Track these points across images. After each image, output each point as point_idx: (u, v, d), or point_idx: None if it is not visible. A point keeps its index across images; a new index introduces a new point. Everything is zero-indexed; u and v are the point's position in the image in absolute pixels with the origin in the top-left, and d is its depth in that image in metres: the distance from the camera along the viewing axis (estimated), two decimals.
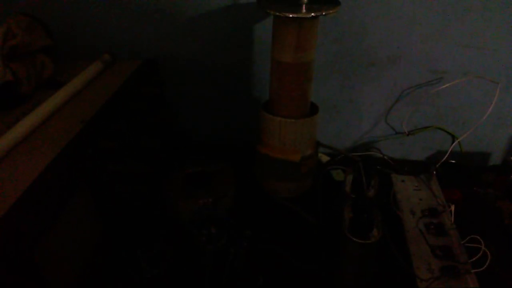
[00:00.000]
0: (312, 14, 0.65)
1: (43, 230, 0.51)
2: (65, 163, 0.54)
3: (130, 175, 0.73)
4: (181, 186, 0.80)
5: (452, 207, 0.76)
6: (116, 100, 0.70)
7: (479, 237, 0.69)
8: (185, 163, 0.85)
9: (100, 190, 0.66)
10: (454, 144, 0.93)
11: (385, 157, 0.93)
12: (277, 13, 0.66)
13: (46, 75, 0.74)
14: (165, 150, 0.92)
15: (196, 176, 0.83)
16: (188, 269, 0.67)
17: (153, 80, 0.85)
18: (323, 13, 0.66)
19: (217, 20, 0.87)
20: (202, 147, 1.02)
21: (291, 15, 0.65)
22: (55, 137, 0.58)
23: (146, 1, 0.86)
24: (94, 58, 0.79)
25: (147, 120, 0.81)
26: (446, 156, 0.90)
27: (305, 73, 0.74)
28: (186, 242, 0.70)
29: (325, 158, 0.97)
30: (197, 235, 0.66)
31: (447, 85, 0.86)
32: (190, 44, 0.90)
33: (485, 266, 0.65)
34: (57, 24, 0.81)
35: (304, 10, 0.66)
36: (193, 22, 0.88)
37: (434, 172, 0.85)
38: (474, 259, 0.66)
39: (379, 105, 0.95)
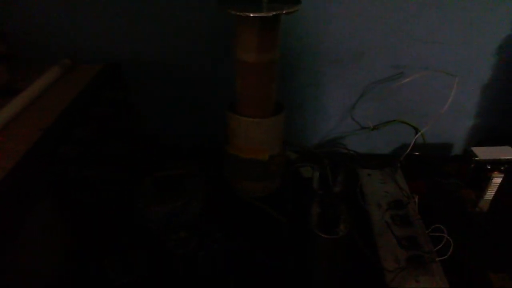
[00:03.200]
0: (273, 13, 0.65)
1: (3, 242, 0.49)
2: (24, 173, 0.53)
3: (95, 182, 0.71)
4: (149, 190, 0.78)
5: (417, 198, 0.78)
6: (77, 106, 0.68)
7: (442, 226, 0.71)
8: (153, 167, 0.84)
9: (64, 199, 0.64)
10: (416, 136, 0.95)
11: (351, 152, 0.95)
12: (238, 13, 0.65)
13: (1, 83, 0.71)
14: (132, 155, 0.90)
15: (165, 180, 0.82)
16: (159, 275, 0.66)
17: (116, 84, 0.83)
18: (284, 12, 0.66)
19: (181, 21, 0.86)
20: (171, 150, 1.01)
21: (252, 15, 0.65)
22: (12, 147, 0.56)
23: (106, 5, 0.84)
24: (54, 63, 0.77)
25: (112, 125, 0.79)
26: (409, 148, 0.92)
27: (269, 72, 0.74)
28: (156, 248, 0.69)
29: (293, 156, 0.97)
30: (165, 240, 0.65)
31: (408, 79, 0.89)
32: (154, 47, 0.89)
33: (449, 253, 0.67)
34: (14, 30, 0.78)
35: (265, 10, 0.66)
36: (156, 24, 0.86)
37: (399, 165, 0.87)
38: (438, 247, 0.68)
39: (344, 101, 0.96)
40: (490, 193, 0.79)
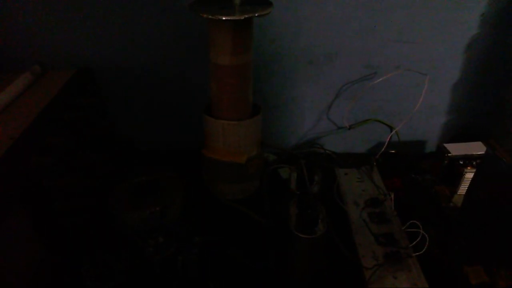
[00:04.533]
0: (245, 16, 0.66)
1: None
2: None
3: (70, 190, 0.70)
4: (126, 196, 0.77)
5: (393, 195, 0.79)
6: (48, 113, 0.66)
7: (418, 222, 0.72)
8: (130, 172, 0.83)
9: (37, 209, 0.63)
10: (391, 134, 0.97)
11: (328, 152, 0.96)
12: (210, 16, 0.66)
13: None
14: (108, 161, 0.89)
15: (142, 185, 0.81)
16: (138, 281, 0.66)
17: (89, 90, 0.82)
18: (256, 15, 0.67)
19: (153, 25, 0.86)
20: (148, 155, 1.00)
21: (224, 18, 0.65)
22: None
23: (77, 7, 0.83)
24: (24, 70, 0.75)
25: (86, 131, 0.78)
26: (384, 146, 0.94)
27: (244, 74, 0.75)
28: (134, 254, 0.68)
29: (272, 157, 0.98)
30: (144, 246, 0.64)
31: (381, 79, 0.90)
32: (127, 51, 0.88)
33: (424, 249, 0.68)
34: None
35: (237, 13, 0.67)
36: (128, 28, 0.86)
37: (375, 163, 0.89)
38: (414, 243, 0.70)
39: (319, 101, 0.97)
40: (463, 188, 0.81)
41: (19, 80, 0.72)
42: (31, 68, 0.76)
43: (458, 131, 1.02)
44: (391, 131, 0.98)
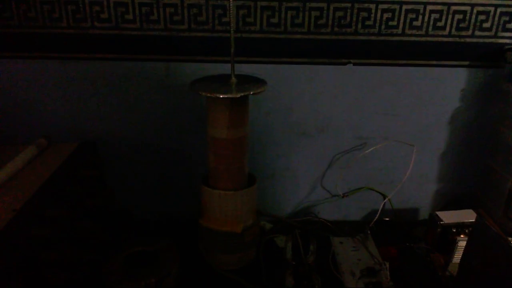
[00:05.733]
0: (241, 94, 0.71)
1: None
2: None
3: (65, 262, 0.70)
4: (121, 268, 0.77)
5: (388, 264, 0.79)
6: (50, 186, 0.69)
7: None
8: (126, 243, 0.84)
9: (34, 279, 0.63)
10: (384, 202, 0.99)
11: (322, 220, 0.98)
12: (209, 95, 0.71)
13: None
14: (105, 231, 0.90)
15: (138, 256, 0.81)
16: None
17: (91, 162, 0.85)
18: (251, 93, 0.72)
19: (153, 100, 0.91)
20: (145, 224, 1.01)
21: (221, 96, 0.70)
22: None
23: (83, 86, 0.89)
24: (30, 141, 0.79)
25: (85, 202, 0.79)
26: (378, 214, 0.95)
27: (240, 147, 0.78)
28: None
29: (268, 226, 0.99)
30: None
31: (371, 149, 0.94)
32: (128, 124, 0.93)
33: None
34: None
35: (233, 91, 0.72)
36: (130, 104, 0.91)
37: (369, 232, 0.90)
38: None
39: (313, 170, 1.01)
40: (457, 256, 0.82)
41: (24, 153, 0.76)
42: (36, 141, 0.80)
43: (449, 199, 1.04)
44: (384, 199, 1.00)
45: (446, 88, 0.92)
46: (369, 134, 0.96)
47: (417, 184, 1.01)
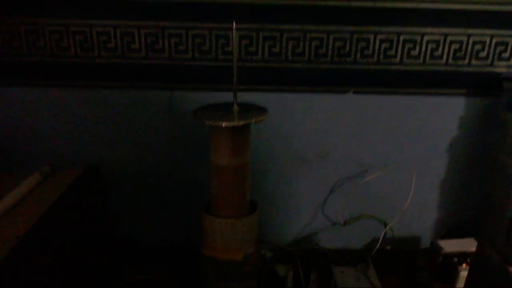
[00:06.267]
0: (243, 122, 0.72)
1: None
2: None
3: None
4: None
5: None
6: (53, 213, 0.69)
7: None
8: (127, 271, 0.83)
9: None
10: (385, 230, 0.99)
11: (324, 249, 0.97)
12: (212, 123, 0.72)
13: None
14: (106, 259, 0.89)
15: (139, 284, 0.80)
16: None
17: (94, 189, 0.86)
18: (253, 121, 0.73)
19: (157, 128, 0.93)
20: (146, 252, 1.00)
21: (224, 125, 0.71)
22: None
23: (88, 113, 0.91)
24: (34, 167, 0.80)
25: (87, 230, 0.80)
26: (379, 243, 0.95)
27: (242, 174, 0.79)
28: None
29: (269, 254, 0.98)
30: None
31: (372, 176, 0.95)
32: (132, 151, 0.94)
33: None
34: None
35: (236, 119, 0.73)
36: (134, 131, 0.93)
37: (370, 261, 0.89)
38: None
39: (315, 198, 1.01)
40: (459, 286, 0.81)
41: (28, 180, 0.76)
42: (41, 169, 0.81)
43: (451, 227, 1.04)
44: (385, 227, 1.00)
45: (444, 116, 0.94)
46: (370, 161, 0.97)
47: (418, 212, 1.01)
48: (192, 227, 0.90)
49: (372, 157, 0.97)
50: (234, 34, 0.73)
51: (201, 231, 0.84)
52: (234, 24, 0.72)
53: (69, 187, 0.78)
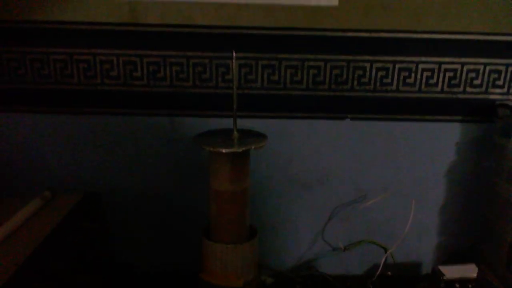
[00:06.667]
0: (243, 149, 0.73)
1: None
2: None
3: None
4: None
5: None
6: (53, 239, 0.69)
7: None
8: None
9: None
10: (386, 255, 0.98)
11: (324, 274, 0.97)
12: (211, 149, 0.73)
13: None
14: (106, 285, 0.89)
15: None
16: None
17: (94, 215, 0.86)
18: (253, 147, 0.74)
19: (158, 153, 0.94)
20: (146, 278, 1.00)
21: (224, 151, 0.72)
22: None
23: (90, 139, 0.92)
24: (36, 192, 0.80)
25: (87, 256, 0.79)
26: (380, 269, 0.94)
27: (242, 199, 0.80)
28: None
29: (269, 280, 0.97)
30: None
31: (371, 201, 0.95)
32: (132, 176, 0.95)
33: None
34: None
35: (236, 146, 0.74)
36: (134, 156, 0.94)
37: (371, 287, 0.89)
38: None
39: (314, 223, 1.01)
40: None
41: (29, 206, 0.77)
42: (41, 194, 0.81)
43: (452, 252, 1.03)
44: (385, 252, 1.00)
45: (441, 141, 0.95)
46: (369, 186, 0.97)
47: (418, 237, 1.01)
48: (192, 253, 0.89)
49: (371, 182, 0.97)
50: (234, 63, 0.75)
51: (201, 257, 0.84)
52: (234, 53, 0.74)
53: (69, 212, 0.78)
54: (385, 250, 1.00)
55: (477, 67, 0.91)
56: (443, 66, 0.91)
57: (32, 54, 0.88)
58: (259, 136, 0.80)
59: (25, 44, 0.87)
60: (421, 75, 0.91)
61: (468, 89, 0.92)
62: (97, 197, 0.89)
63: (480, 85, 0.92)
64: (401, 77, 0.91)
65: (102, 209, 0.90)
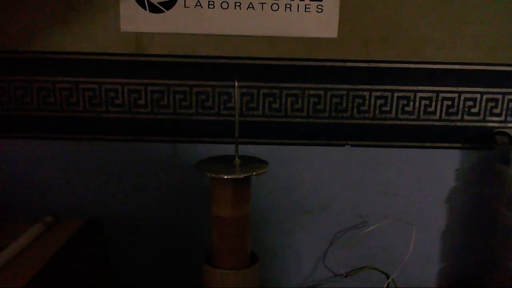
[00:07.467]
0: (244, 175, 0.74)
1: None
2: None
3: None
4: None
5: None
6: (54, 265, 0.69)
7: None
8: None
9: None
10: (387, 282, 0.98)
11: None
12: (213, 175, 0.74)
13: None
14: None
15: None
16: None
17: (96, 241, 0.86)
18: (254, 174, 0.75)
19: (159, 179, 0.95)
20: None
21: (225, 177, 0.73)
22: None
23: (93, 165, 0.93)
24: (37, 218, 0.81)
25: (88, 282, 0.79)
26: None
27: (243, 225, 0.80)
28: None
29: None
30: None
31: (372, 228, 0.96)
32: (134, 202, 0.96)
33: None
34: None
35: (237, 172, 0.75)
36: (136, 182, 0.95)
37: None
38: None
39: (316, 249, 1.01)
40: None
41: (31, 231, 0.77)
42: (43, 219, 0.82)
43: (454, 279, 1.03)
44: (387, 279, 0.99)
45: (441, 168, 0.96)
46: (370, 212, 0.98)
47: (420, 263, 1.01)
48: (194, 279, 0.89)
49: (371, 208, 0.98)
50: (236, 92, 0.77)
51: (202, 283, 0.84)
52: (236, 82, 0.76)
53: (71, 238, 0.78)
54: (387, 276, 0.99)
55: (474, 95, 0.93)
56: (441, 95, 0.93)
57: (38, 83, 0.90)
58: (261, 163, 0.81)
59: (32, 73, 0.90)
60: (419, 104, 0.93)
61: (466, 117, 0.94)
62: (98, 223, 0.90)
63: (478, 113, 0.94)
64: (400, 105, 0.93)
65: (104, 235, 0.90)
